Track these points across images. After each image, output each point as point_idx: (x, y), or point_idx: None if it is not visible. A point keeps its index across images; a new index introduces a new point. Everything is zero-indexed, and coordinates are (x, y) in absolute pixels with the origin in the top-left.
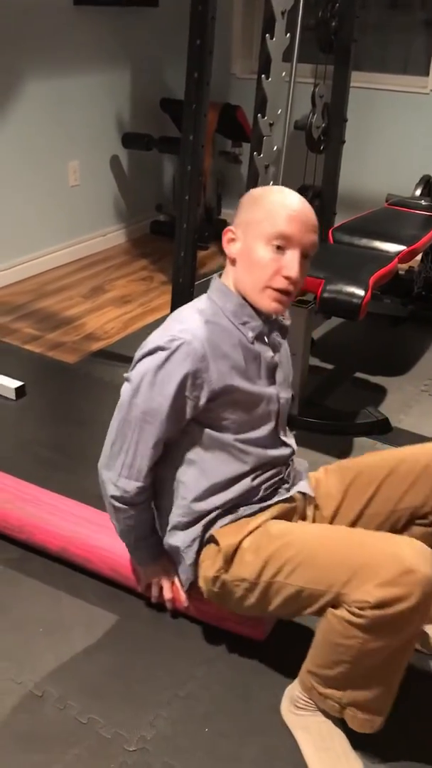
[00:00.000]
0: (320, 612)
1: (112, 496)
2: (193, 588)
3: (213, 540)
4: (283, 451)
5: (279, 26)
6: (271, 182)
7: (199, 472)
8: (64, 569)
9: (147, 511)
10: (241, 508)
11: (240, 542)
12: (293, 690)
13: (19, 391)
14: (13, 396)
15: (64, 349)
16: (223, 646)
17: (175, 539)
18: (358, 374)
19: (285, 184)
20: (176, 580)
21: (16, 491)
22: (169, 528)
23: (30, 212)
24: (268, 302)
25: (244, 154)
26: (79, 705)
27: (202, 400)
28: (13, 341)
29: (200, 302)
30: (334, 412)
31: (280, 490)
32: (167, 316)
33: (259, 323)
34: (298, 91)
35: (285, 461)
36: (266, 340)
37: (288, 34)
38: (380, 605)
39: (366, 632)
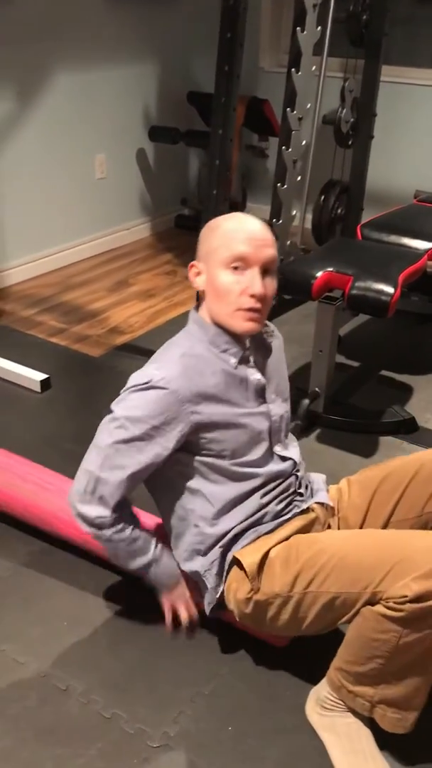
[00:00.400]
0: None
1: (77, 516)
2: (218, 611)
3: (237, 563)
4: (282, 465)
5: (310, 19)
6: (299, 177)
7: (205, 500)
8: (87, 563)
9: (122, 532)
10: (260, 527)
11: (264, 555)
12: (320, 690)
13: (44, 383)
14: (38, 389)
15: (88, 342)
16: (247, 644)
17: (194, 564)
18: (384, 372)
19: (312, 179)
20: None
21: (41, 481)
22: (186, 556)
23: (56, 205)
24: (241, 323)
25: (271, 148)
26: (102, 700)
27: (184, 434)
28: (39, 334)
29: (179, 337)
30: (359, 410)
31: (295, 502)
32: (191, 310)
33: (238, 348)
34: (327, 86)
35: (289, 474)
36: (250, 361)
37: (319, 28)
38: (419, 599)
39: (403, 626)
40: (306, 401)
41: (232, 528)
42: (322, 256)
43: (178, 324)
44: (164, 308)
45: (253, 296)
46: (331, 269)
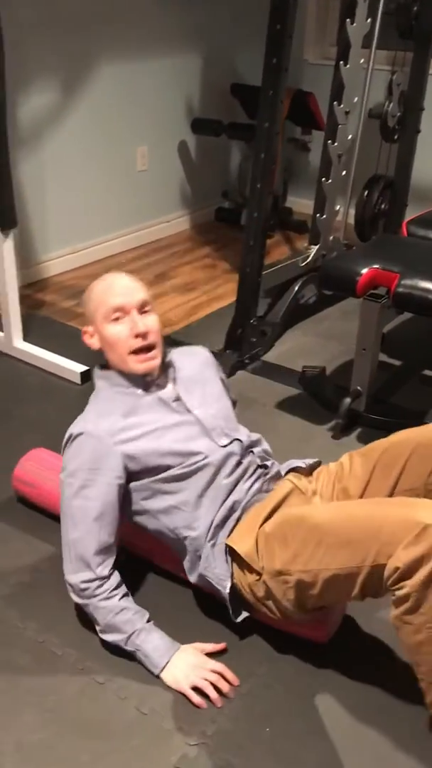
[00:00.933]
0: (362, 592)
1: (71, 592)
2: (241, 610)
3: (234, 556)
4: (229, 448)
5: (360, 11)
6: (344, 171)
7: (178, 510)
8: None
9: (109, 600)
10: (237, 511)
11: (257, 535)
12: None
13: (84, 375)
14: (78, 380)
15: None
16: (285, 645)
17: (197, 569)
18: (427, 372)
19: (357, 174)
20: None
21: None
22: (190, 567)
23: (97, 197)
24: (138, 366)
25: (313, 141)
26: (139, 695)
27: (121, 468)
28: (78, 325)
29: (93, 394)
30: (401, 409)
31: (263, 477)
32: (231, 304)
33: (141, 379)
34: (374, 79)
35: (242, 453)
36: (154, 384)
37: (368, 20)
38: (410, 570)
39: (420, 610)
40: (347, 400)
41: (212, 520)
42: (367, 253)
43: (217, 318)
44: (204, 302)
45: (138, 335)
46: (376, 266)
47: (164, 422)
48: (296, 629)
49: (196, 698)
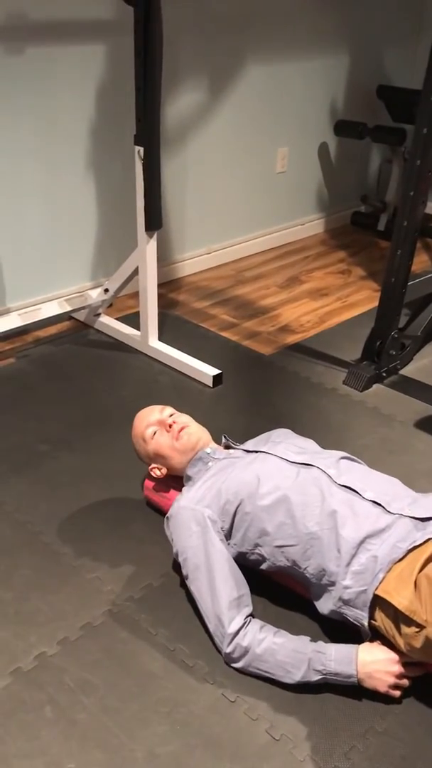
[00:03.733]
0: None
1: (231, 664)
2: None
3: (380, 604)
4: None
5: None
6: None
7: (305, 551)
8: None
9: (263, 641)
10: (382, 558)
11: (416, 582)
12: None
13: (216, 379)
14: (210, 383)
15: (259, 339)
16: (427, 680)
17: (329, 603)
18: None
19: None
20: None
21: None
22: (324, 600)
23: (235, 198)
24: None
25: None
26: (270, 719)
27: (216, 523)
28: (211, 327)
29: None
30: None
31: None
32: (366, 313)
33: (206, 457)
34: None
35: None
36: (220, 453)
37: None
38: None
39: None
40: None
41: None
42: None
43: (350, 327)
44: (337, 309)
45: (174, 429)
46: None
47: (244, 460)
48: None
49: (397, 694)
